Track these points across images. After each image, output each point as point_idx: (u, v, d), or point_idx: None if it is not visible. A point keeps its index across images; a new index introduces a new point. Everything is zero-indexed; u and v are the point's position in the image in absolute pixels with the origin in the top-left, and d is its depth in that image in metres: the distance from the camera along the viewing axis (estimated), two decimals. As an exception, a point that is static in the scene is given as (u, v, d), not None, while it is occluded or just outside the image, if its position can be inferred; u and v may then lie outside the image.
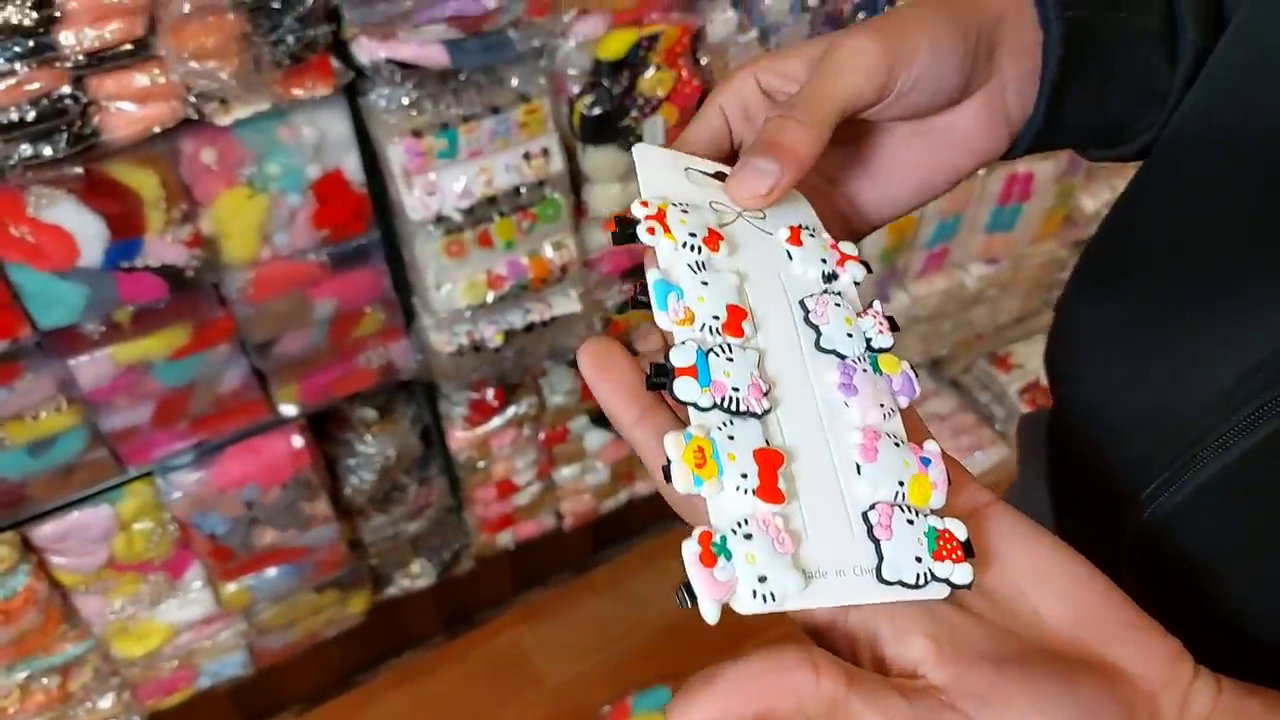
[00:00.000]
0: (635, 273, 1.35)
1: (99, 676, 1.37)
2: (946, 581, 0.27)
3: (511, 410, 1.46)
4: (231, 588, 1.38)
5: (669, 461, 0.27)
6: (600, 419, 1.59)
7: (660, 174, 0.34)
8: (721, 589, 0.26)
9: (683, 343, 0.29)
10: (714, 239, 0.31)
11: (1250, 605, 0.36)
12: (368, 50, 0.99)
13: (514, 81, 1.09)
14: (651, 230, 0.31)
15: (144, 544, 1.26)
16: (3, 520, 1.15)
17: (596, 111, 1.14)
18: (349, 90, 1.03)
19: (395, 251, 1.19)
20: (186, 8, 0.85)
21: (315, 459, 1.32)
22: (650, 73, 1.14)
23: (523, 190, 1.15)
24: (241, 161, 1.02)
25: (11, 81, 0.83)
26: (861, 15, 1.25)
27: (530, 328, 1.25)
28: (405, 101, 1.04)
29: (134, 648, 1.36)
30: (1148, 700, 0.27)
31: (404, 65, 1.01)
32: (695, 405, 0.28)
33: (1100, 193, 1.92)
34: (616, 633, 1.82)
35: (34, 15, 0.81)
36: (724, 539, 0.26)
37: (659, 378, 0.28)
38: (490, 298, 1.19)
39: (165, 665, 1.42)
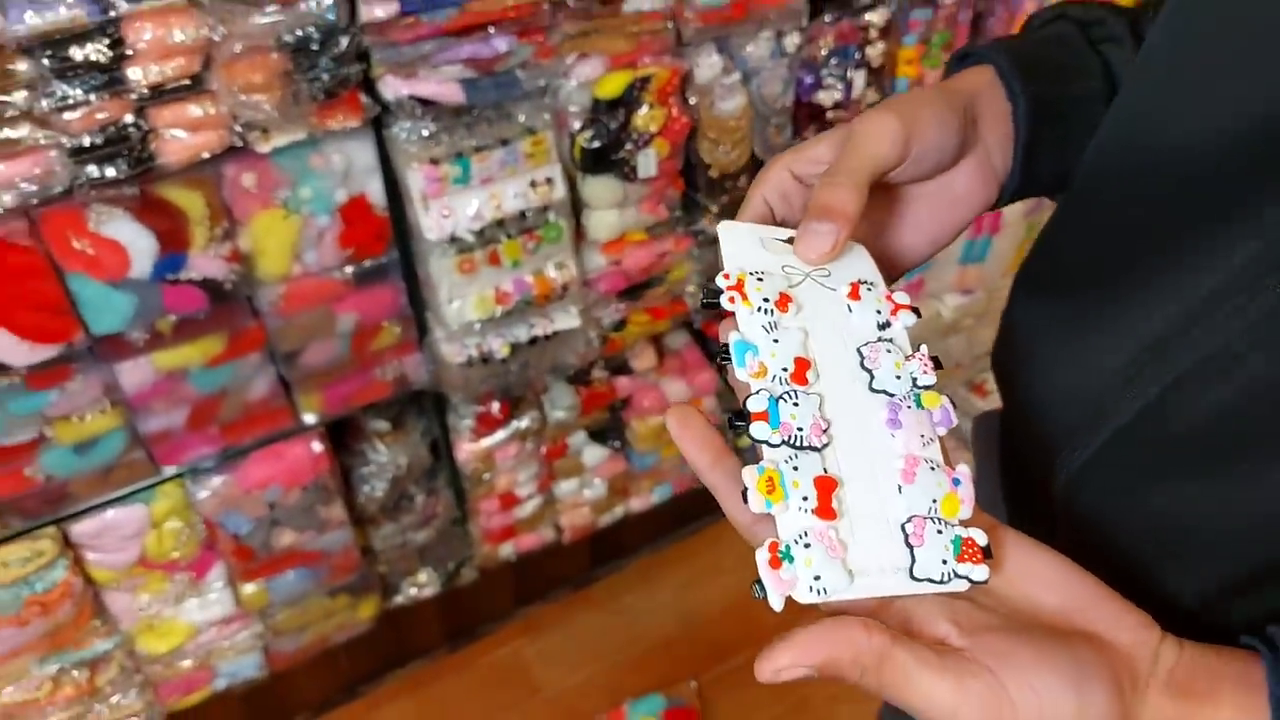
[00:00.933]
0: (629, 292, 1.46)
1: (124, 673, 1.45)
2: (967, 578, 0.34)
3: (515, 424, 1.56)
4: (250, 588, 1.47)
5: (745, 489, 0.34)
6: (596, 435, 1.69)
7: (740, 247, 0.41)
8: (785, 585, 0.33)
9: (757, 392, 0.36)
10: (784, 301, 0.38)
11: (1151, 553, 0.46)
12: (393, 87, 1.11)
13: (521, 117, 1.21)
14: (732, 299, 0.38)
15: (173, 543, 1.35)
16: (45, 516, 1.25)
17: (595, 144, 1.27)
18: (375, 122, 1.15)
19: (411, 270, 1.31)
20: (238, 47, 0.98)
21: (333, 465, 1.42)
22: (643, 110, 1.26)
23: (528, 214, 1.27)
24: (278, 185, 1.14)
25: (85, 111, 0.95)
26: (834, 60, 1.39)
27: (534, 341, 1.36)
28: (425, 133, 1.16)
29: (158, 644, 1.44)
30: (1126, 659, 0.36)
31: (424, 101, 1.13)
32: (767, 443, 0.35)
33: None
34: (613, 645, 1.90)
35: (109, 53, 0.93)
36: (788, 547, 0.33)
37: (738, 422, 0.35)
38: (498, 312, 1.31)
39: (185, 664, 1.50)
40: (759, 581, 0.33)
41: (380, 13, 1.04)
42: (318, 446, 1.38)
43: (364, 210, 1.21)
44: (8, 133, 0.94)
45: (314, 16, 1.01)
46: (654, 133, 1.29)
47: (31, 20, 0.88)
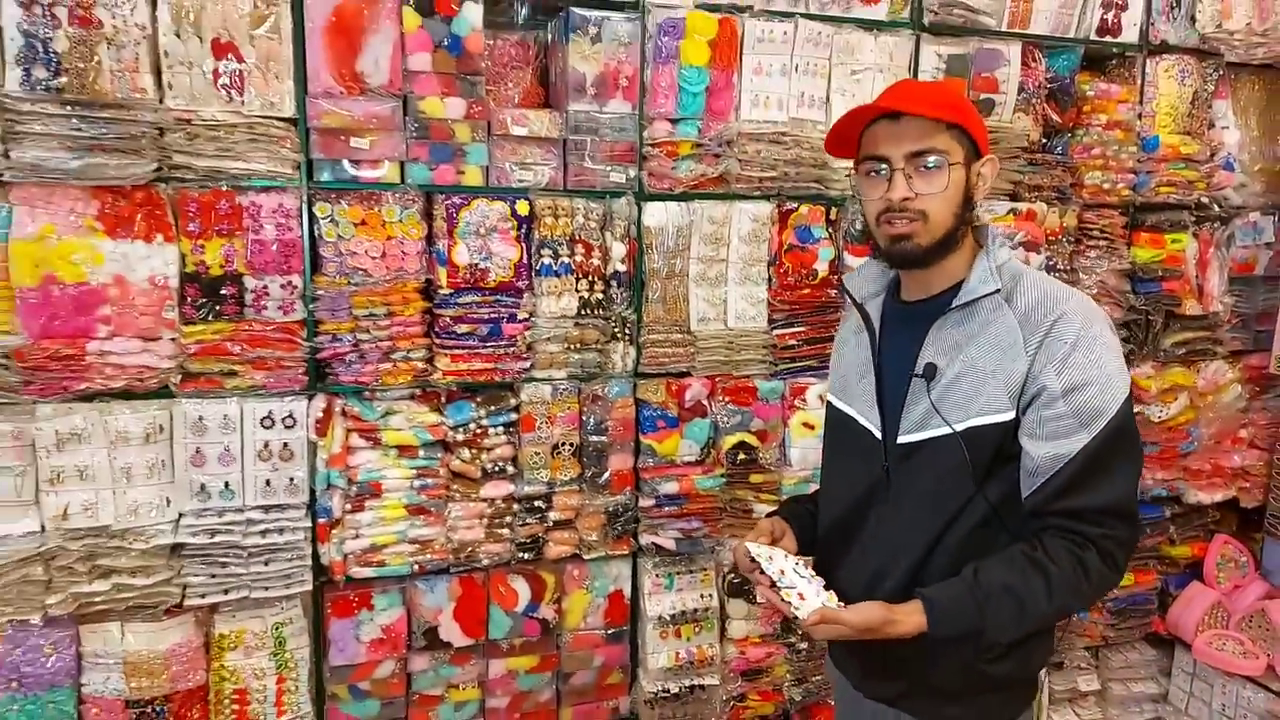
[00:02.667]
0: (748, 674, 2.54)
1: None
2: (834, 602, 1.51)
3: (673, 763, 2.53)
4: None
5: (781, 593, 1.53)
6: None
7: (757, 548, 1.61)
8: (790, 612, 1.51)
9: (777, 569, 1.52)
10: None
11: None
12: (645, 538, 2.43)
13: (703, 561, 2.49)
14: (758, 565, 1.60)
15: (476, 787, 2.34)
16: (424, 749, 2.31)
17: (736, 581, 2.50)
18: (635, 553, 2.45)
19: (634, 638, 2.48)
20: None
21: (569, 758, 2.42)
22: (761, 567, 2.52)
23: (698, 610, 2.47)
24: (586, 578, 2.42)
25: (530, 527, 2.31)
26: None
27: (692, 689, 2.44)
28: (654, 562, 2.44)
29: None
30: (890, 621, 1.46)
31: (658, 547, 2.44)
32: (783, 586, 1.52)
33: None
34: None
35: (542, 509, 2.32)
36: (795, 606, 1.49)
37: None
38: (676, 666, 2.43)
39: None
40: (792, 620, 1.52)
41: (648, 502, 2.41)
42: (565, 741, 2.42)
43: (620, 599, 2.45)
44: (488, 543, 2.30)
45: (622, 501, 2.39)
46: (766, 580, 2.52)
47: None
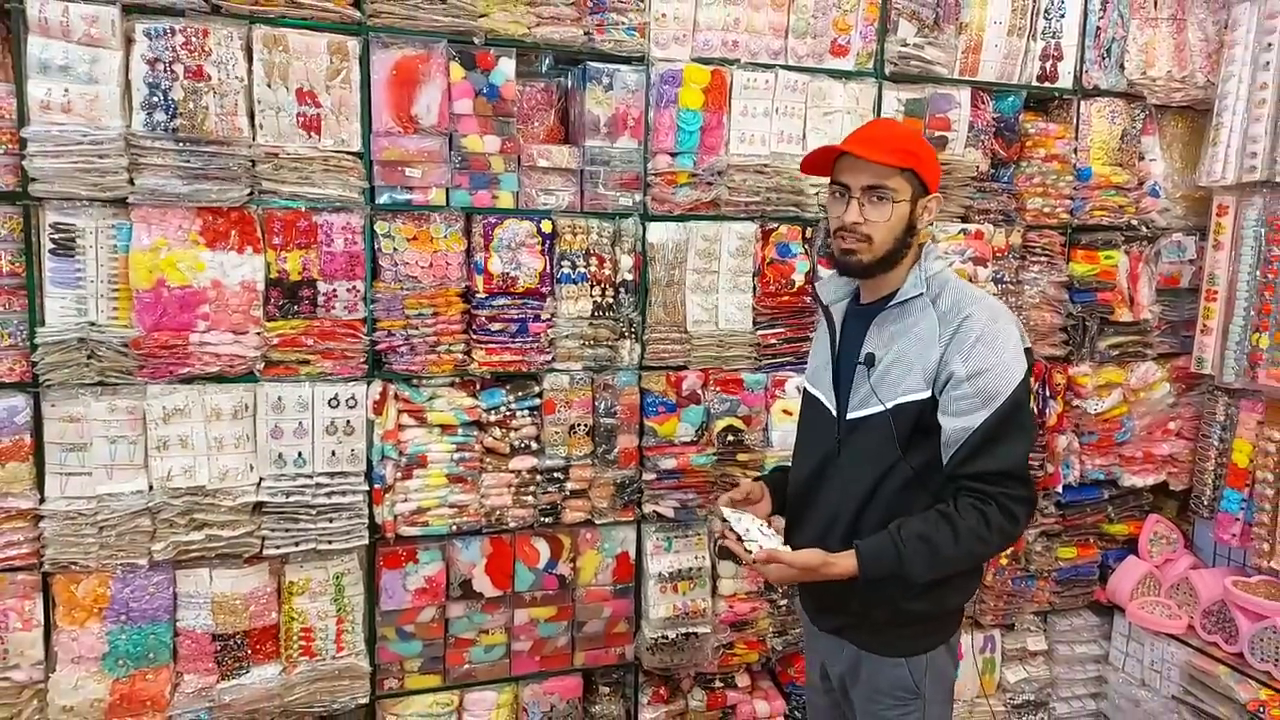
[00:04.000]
0: (736, 625, 2.95)
1: None
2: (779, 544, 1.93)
3: (671, 706, 2.93)
4: (526, 764, 2.77)
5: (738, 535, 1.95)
6: (715, 728, 3.00)
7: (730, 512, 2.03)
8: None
9: (744, 528, 1.96)
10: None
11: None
12: (648, 506, 2.85)
13: (699, 528, 2.91)
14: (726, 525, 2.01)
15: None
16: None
17: (722, 547, 2.92)
18: (639, 520, 2.87)
19: (638, 591, 2.89)
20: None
21: (583, 697, 2.83)
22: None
23: (693, 570, 2.88)
24: (599, 540, 2.84)
25: (551, 495, 2.74)
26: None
27: (688, 635, 2.85)
28: (655, 527, 2.86)
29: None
30: (827, 564, 1.85)
31: (659, 515, 2.86)
32: (745, 536, 1.93)
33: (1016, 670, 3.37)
34: None
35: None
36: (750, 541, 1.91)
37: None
38: (674, 616, 2.84)
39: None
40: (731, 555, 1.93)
41: (650, 476, 2.83)
42: (577, 681, 2.83)
43: (626, 559, 2.87)
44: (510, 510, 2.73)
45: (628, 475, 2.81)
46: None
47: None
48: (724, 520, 1.93)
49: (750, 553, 1.81)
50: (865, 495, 1.86)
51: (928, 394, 1.78)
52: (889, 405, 1.82)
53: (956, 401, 1.75)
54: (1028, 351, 1.80)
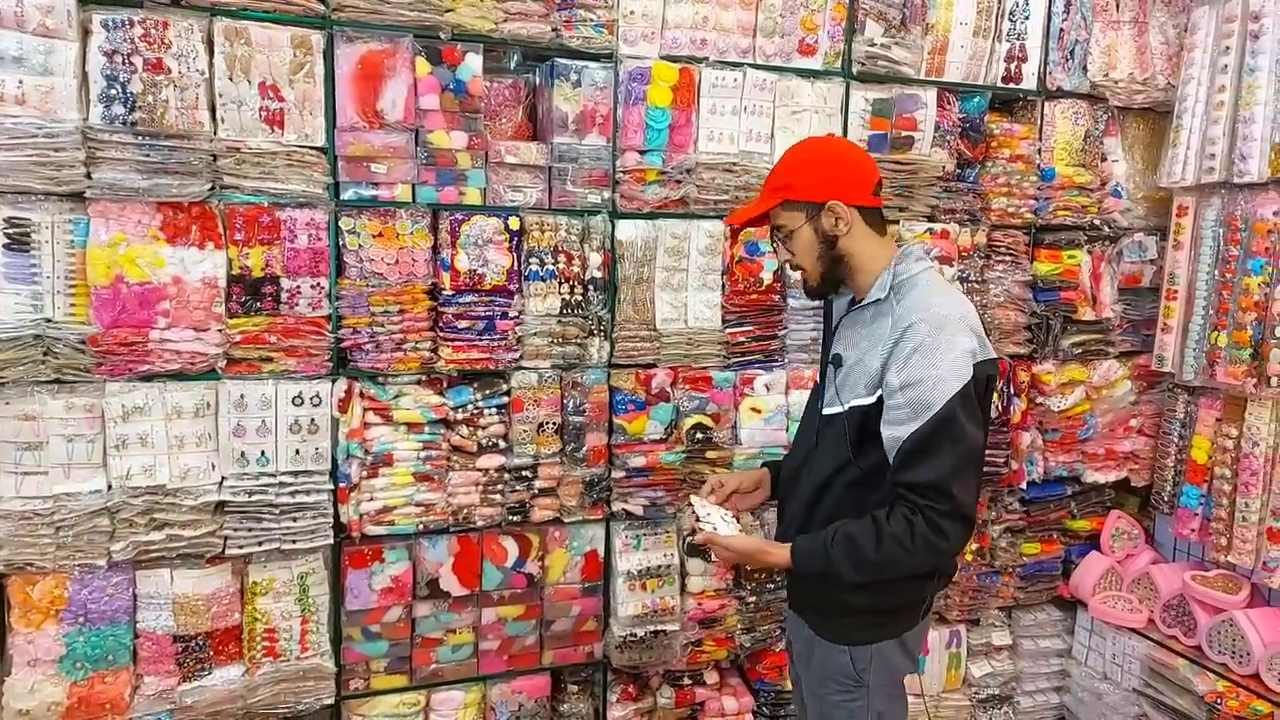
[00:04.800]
0: (704, 623, 2.96)
1: None
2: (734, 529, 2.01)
3: (640, 704, 2.93)
4: (493, 764, 2.76)
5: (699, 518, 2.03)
6: (683, 726, 3.00)
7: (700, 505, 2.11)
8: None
9: (706, 514, 2.04)
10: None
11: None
12: (617, 505, 2.85)
13: (670, 529, 2.91)
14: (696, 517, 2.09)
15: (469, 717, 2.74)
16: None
17: (694, 541, 2.93)
18: (609, 519, 2.87)
19: (607, 589, 2.88)
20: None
21: (551, 696, 2.82)
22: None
23: (662, 568, 2.89)
24: (567, 539, 2.83)
25: (520, 494, 2.73)
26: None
27: (656, 634, 2.85)
28: (624, 525, 2.85)
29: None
30: (763, 552, 1.95)
31: (628, 513, 2.85)
32: (707, 522, 2.02)
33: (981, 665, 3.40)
34: None
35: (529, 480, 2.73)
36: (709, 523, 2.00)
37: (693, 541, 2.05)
38: (644, 614, 2.84)
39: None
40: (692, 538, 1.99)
41: (619, 474, 2.83)
42: (545, 679, 2.81)
43: (594, 557, 2.86)
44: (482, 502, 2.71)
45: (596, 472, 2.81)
46: (719, 543, 2.93)
47: (513, 461, 2.71)
48: (692, 509, 2.06)
49: (703, 531, 1.98)
50: (818, 490, 1.94)
51: (873, 399, 1.82)
52: (846, 407, 1.88)
53: (891, 410, 1.78)
54: (987, 362, 1.78)
